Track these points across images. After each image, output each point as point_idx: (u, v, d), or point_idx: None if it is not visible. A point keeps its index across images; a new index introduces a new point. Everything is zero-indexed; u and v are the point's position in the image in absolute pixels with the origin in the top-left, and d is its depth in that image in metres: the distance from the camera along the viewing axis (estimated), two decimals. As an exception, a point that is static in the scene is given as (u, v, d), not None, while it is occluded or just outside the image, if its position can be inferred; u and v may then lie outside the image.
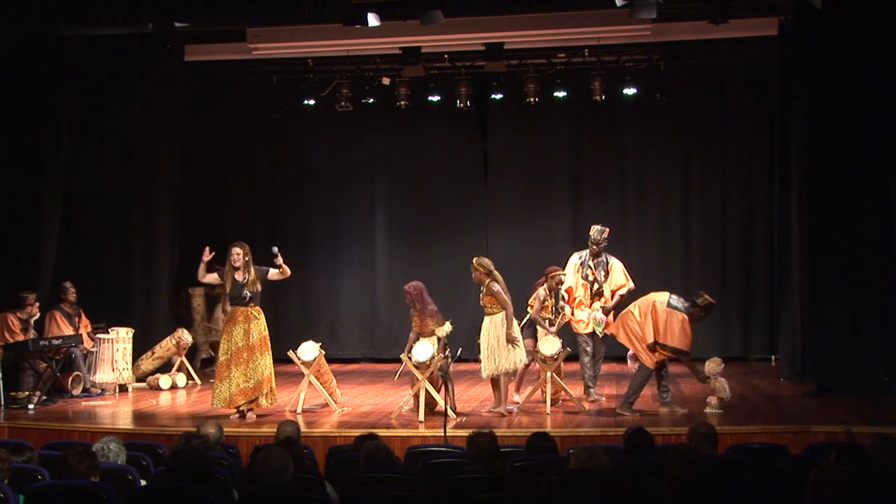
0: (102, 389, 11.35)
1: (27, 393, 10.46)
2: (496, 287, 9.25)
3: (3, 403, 10.26)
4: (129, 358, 11.63)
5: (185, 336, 12.26)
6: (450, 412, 8.95)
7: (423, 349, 9.36)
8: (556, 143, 14.53)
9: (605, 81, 12.98)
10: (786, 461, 6.21)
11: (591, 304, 10.32)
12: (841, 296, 10.36)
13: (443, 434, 7.99)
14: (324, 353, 10.03)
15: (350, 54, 12.97)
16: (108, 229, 12.57)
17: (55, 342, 11.00)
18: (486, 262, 9.40)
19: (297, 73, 13.63)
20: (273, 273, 9.52)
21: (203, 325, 13.58)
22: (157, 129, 12.74)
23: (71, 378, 11.07)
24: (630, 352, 9.60)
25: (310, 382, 9.84)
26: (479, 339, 9.42)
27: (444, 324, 9.56)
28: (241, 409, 9.36)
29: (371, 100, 13.73)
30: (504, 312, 9.26)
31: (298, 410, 9.71)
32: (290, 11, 10.32)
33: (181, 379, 11.92)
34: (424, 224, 14.73)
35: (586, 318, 10.29)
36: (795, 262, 11.36)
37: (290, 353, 9.95)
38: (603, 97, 13.04)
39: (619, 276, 10.38)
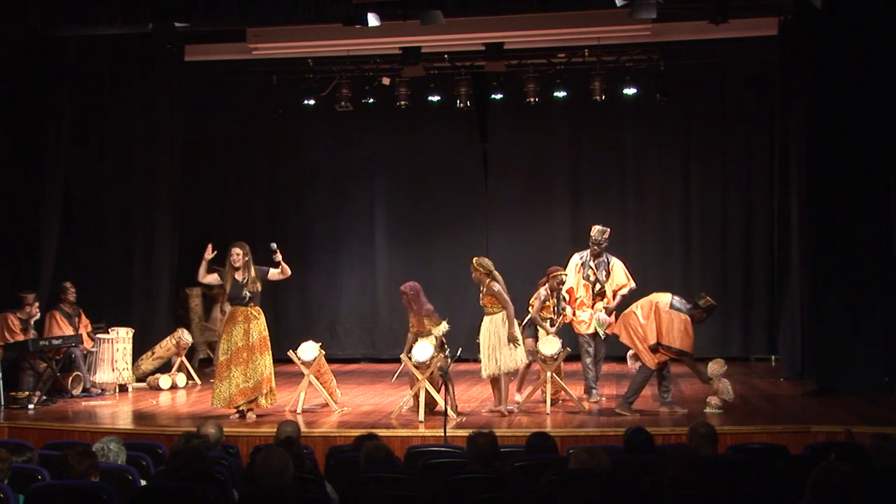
0: (102, 389, 11.35)
1: (27, 393, 10.46)
2: (497, 287, 9.25)
3: (3, 403, 10.26)
4: (129, 358, 11.63)
5: (185, 336, 12.26)
6: (450, 412, 8.96)
7: (423, 349, 9.36)
8: (556, 143, 14.53)
9: (605, 81, 12.98)
10: (786, 461, 6.21)
11: (594, 304, 10.31)
12: (841, 296, 10.36)
13: (443, 434, 7.99)
14: (324, 353, 10.03)
15: (350, 54, 12.97)
16: (108, 229, 12.57)
17: (55, 342, 11.00)
18: (487, 262, 9.40)
19: (297, 73, 13.63)
20: (273, 273, 9.52)
21: (200, 325, 13.58)
22: (157, 129, 12.74)
23: (71, 378, 11.07)
24: (630, 352, 9.59)
25: (310, 382, 9.84)
26: (478, 338, 9.42)
27: (440, 323, 9.56)
28: (241, 409, 9.35)
29: (371, 100, 13.73)
30: (504, 312, 9.27)
31: (298, 410, 9.71)
32: (290, 11, 10.32)
33: (181, 379, 11.92)
34: (424, 224, 14.73)
35: (588, 319, 10.29)
36: (795, 262, 11.36)
37: (290, 353, 9.95)
38: (603, 97, 13.04)
39: (620, 276, 10.38)
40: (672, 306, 9.23)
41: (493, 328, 9.29)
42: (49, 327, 11.25)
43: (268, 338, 9.49)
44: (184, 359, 12.19)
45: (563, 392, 9.78)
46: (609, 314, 10.25)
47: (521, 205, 14.58)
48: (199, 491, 5.02)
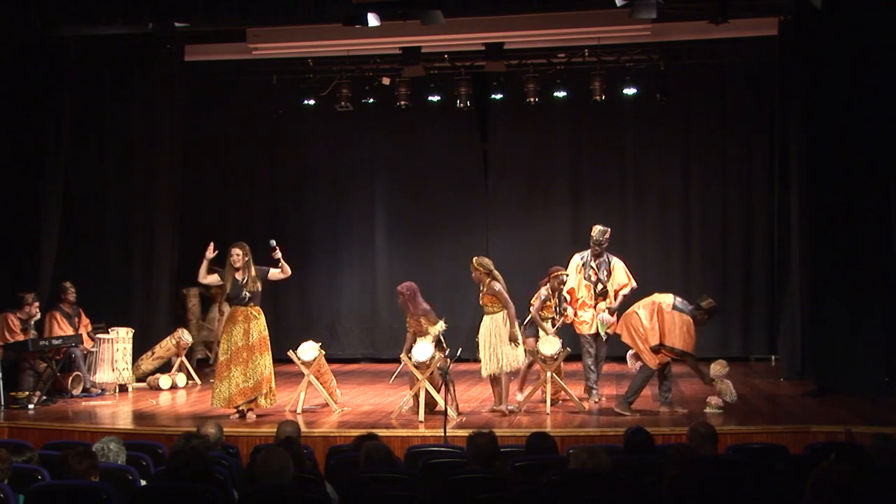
0: (102, 389, 11.35)
1: (27, 393, 10.46)
2: (498, 286, 9.25)
3: (3, 403, 10.26)
4: (129, 358, 11.63)
5: (185, 336, 12.26)
6: (452, 412, 8.96)
7: (423, 349, 9.36)
8: (556, 143, 14.53)
9: (605, 81, 12.98)
10: (786, 461, 6.21)
11: (596, 304, 10.31)
12: (841, 296, 10.37)
13: (443, 434, 7.99)
14: (324, 353, 10.03)
15: (350, 54, 12.97)
16: (108, 229, 12.57)
17: (55, 342, 11.00)
18: (487, 261, 9.40)
19: (297, 73, 13.63)
20: (273, 273, 9.51)
21: (198, 325, 13.59)
22: (157, 129, 12.74)
23: (71, 378, 11.07)
24: (630, 351, 9.59)
25: (310, 382, 9.84)
26: (478, 338, 9.42)
27: (437, 322, 9.56)
28: (241, 409, 9.35)
29: (371, 100, 13.73)
30: (505, 311, 9.27)
31: (298, 410, 9.71)
32: (290, 11, 10.32)
33: (181, 379, 11.92)
34: (424, 224, 14.73)
35: (590, 319, 10.28)
36: (795, 262, 11.36)
37: (290, 353, 9.94)
38: (603, 97, 13.04)
39: (621, 276, 10.38)
40: (675, 307, 9.23)
41: (494, 327, 9.29)
42: (49, 327, 11.25)
43: (268, 338, 9.48)
44: (184, 359, 12.19)
45: (563, 392, 9.78)
46: (611, 314, 10.25)
47: (521, 205, 14.58)
48: (199, 491, 5.02)
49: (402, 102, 13.36)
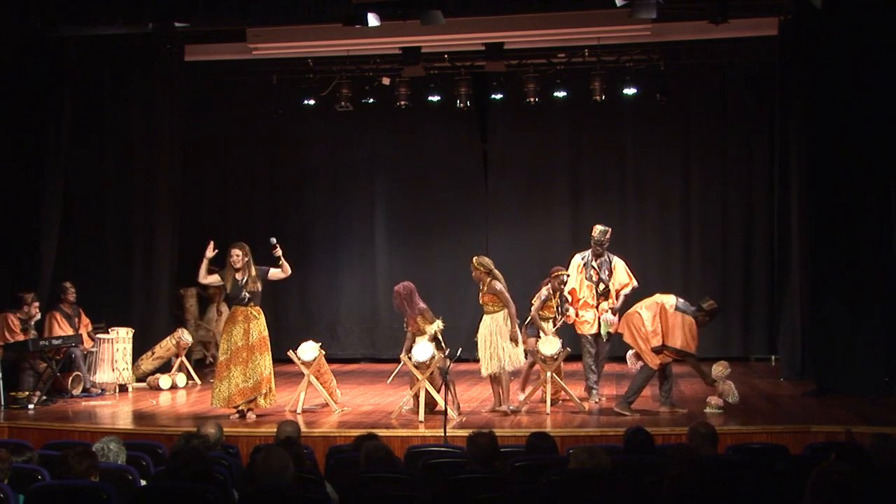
0: (102, 389, 11.35)
1: (27, 393, 10.46)
2: (498, 286, 9.25)
3: (3, 403, 10.26)
4: (129, 358, 11.63)
5: (185, 336, 12.26)
6: (453, 413, 8.96)
7: (423, 349, 9.36)
8: (556, 143, 14.54)
9: (605, 81, 12.98)
10: (786, 461, 6.21)
11: (598, 304, 10.30)
12: (841, 296, 10.37)
13: (443, 434, 7.99)
14: (324, 353, 10.03)
15: (350, 54, 12.97)
16: (108, 229, 12.57)
17: (55, 342, 11.00)
18: (487, 260, 9.40)
19: (297, 73, 13.63)
20: (274, 272, 9.51)
21: (195, 325, 13.59)
22: (157, 129, 12.74)
23: (71, 378, 11.07)
24: (631, 351, 9.59)
25: (310, 382, 9.84)
26: (476, 337, 9.42)
27: (434, 321, 9.56)
28: (241, 409, 9.35)
29: (371, 100, 13.73)
30: (505, 311, 9.27)
31: (298, 410, 9.70)
32: (290, 11, 10.33)
33: (181, 379, 11.92)
34: (424, 224, 14.73)
35: (592, 319, 10.28)
36: (795, 262, 11.36)
37: (290, 353, 9.94)
38: (603, 97, 13.04)
39: (622, 275, 10.38)
40: (677, 308, 9.23)
41: (494, 326, 9.28)
42: (49, 327, 11.24)
43: (267, 338, 9.48)
44: (184, 359, 12.19)
45: (563, 392, 9.78)
46: (614, 314, 10.25)
47: (521, 205, 14.59)
48: (199, 491, 5.02)
49: (402, 102, 13.36)
